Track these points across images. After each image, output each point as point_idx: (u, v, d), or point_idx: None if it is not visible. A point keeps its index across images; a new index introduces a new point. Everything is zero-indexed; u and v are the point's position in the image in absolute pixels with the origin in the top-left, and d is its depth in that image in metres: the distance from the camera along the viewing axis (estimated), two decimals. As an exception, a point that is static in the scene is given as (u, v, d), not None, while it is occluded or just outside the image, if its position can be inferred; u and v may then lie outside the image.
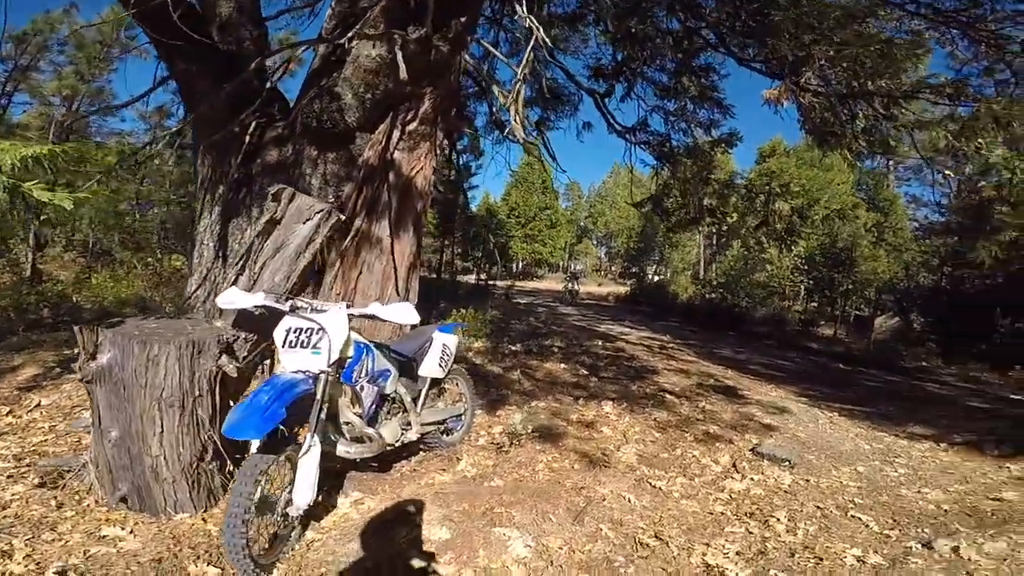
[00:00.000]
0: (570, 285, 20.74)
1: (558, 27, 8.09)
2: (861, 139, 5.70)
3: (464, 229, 18.44)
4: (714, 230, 9.41)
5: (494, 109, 10.11)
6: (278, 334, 2.34)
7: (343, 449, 2.55)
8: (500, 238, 32.24)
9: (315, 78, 4.97)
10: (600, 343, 8.72)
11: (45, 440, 3.13)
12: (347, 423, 2.62)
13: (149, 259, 11.90)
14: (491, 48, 6.65)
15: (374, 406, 2.70)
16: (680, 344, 10.27)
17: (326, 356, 2.25)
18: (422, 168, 5.07)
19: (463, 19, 4.84)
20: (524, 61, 4.96)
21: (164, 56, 4.69)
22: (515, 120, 5.05)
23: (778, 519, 2.94)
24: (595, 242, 53.44)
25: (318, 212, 3.32)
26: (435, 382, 3.26)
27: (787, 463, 3.79)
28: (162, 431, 2.39)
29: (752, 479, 3.48)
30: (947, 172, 5.26)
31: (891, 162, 31.68)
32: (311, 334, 2.28)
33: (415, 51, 4.55)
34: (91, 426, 2.52)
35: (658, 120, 8.77)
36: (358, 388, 2.53)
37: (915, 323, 13.54)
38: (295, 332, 2.30)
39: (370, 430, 2.63)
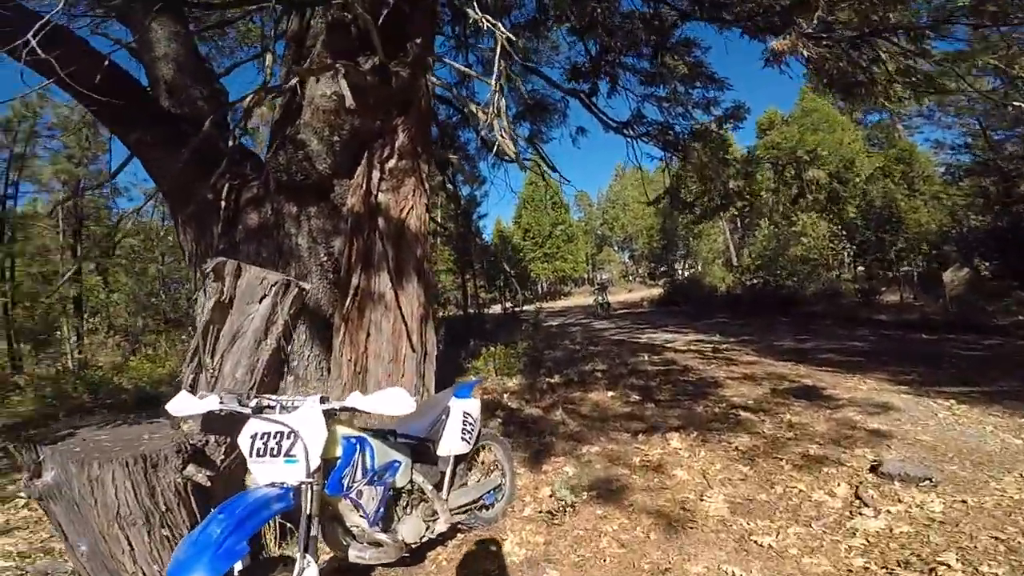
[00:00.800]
0: (600, 298, 19.33)
1: (523, 36, 7.58)
2: (897, 82, 4.84)
3: (481, 260, 17.94)
4: (737, 212, 8.54)
5: (481, 132, 9.65)
6: (243, 441, 1.85)
7: (356, 555, 2.07)
8: (520, 262, 31.74)
9: (279, 130, 4.55)
10: (646, 357, 7.89)
11: (52, 535, 2.94)
12: (354, 526, 2.09)
13: (183, 336, 11.89)
14: (461, 67, 6.16)
15: (382, 507, 2.12)
16: (734, 343, 9.31)
17: (303, 464, 1.75)
18: (412, 207, 4.53)
19: (418, 40, 4.38)
20: (496, 70, 4.45)
21: (111, 126, 4.37)
22: (501, 135, 4.47)
23: (947, 564, 2.16)
24: (616, 248, 52.28)
25: (273, 285, 2.77)
26: (461, 457, 2.63)
27: (927, 481, 2.94)
28: (132, 549, 2.11)
29: (889, 511, 2.67)
30: (1016, 103, 4.30)
31: (894, 113, 30.18)
32: (281, 439, 1.79)
33: (373, 81, 4.08)
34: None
35: (652, 109, 8.14)
36: (354, 496, 1.99)
37: (984, 271, 12.19)
38: (262, 438, 1.81)
39: (382, 535, 2.08)
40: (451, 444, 2.55)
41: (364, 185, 4.36)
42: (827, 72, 4.87)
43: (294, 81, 3.85)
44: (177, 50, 4.53)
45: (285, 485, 1.76)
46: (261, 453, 1.78)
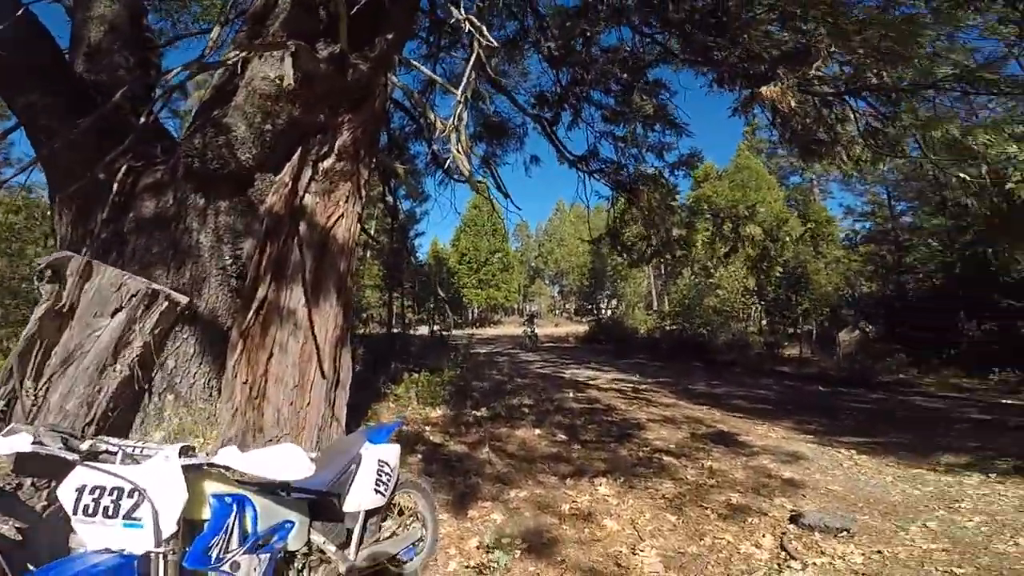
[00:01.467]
0: (528, 329, 19.25)
1: (497, 56, 7.56)
2: (858, 143, 5.24)
3: (413, 280, 17.42)
4: (673, 259, 8.91)
5: (434, 147, 9.43)
6: (64, 495, 1.36)
7: None
8: (452, 287, 31.34)
9: (204, 112, 4.05)
10: (571, 394, 7.87)
11: None
12: None
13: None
14: (428, 72, 5.94)
15: (269, 574, 1.68)
16: (653, 384, 9.59)
17: (151, 530, 1.32)
18: (343, 216, 4.12)
19: (390, 36, 4.11)
20: (465, 80, 4.25)
21: (2, 89, 3.69)
22: (457, 151, 4.26)
23: None
24: (547, 281, 53.32)
25: (132, 295, 2.27)
26: (374, 511, 2.25)
27: (845, 532, 3.04)
28: None
29: (815, 563, 2.70)
30: (962, 174, 4.69)
31: (813, 176, 33.74)
32: (119, 496, 1.33)
33: (327, 70, 3.75)
34: None
35: (608, 148, 8.38)
36: (227, 568, 1.51)
37: (871, 334, 13.60)
38: (93, 492, 1.35)
39: None
40: (361, 498, 2.13)
41: (291, 184, 3.88)
42: (792, 127, 5.17)
43: (237, 56, 3.40)
44: (117, 11, 3.97)
45: (126, 552, 1.33)
46: (90, 512, 1.34)
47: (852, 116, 5.14)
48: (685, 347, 15.01)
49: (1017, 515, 3.25)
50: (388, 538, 2.41)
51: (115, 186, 3.60)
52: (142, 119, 3.82)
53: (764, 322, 17.80)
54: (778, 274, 11.53)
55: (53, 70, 3.60)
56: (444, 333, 14.61)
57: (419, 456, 4.27)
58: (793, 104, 4.49)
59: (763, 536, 3.04)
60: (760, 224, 7.28)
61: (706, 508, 3.45)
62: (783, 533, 3.07)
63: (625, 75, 7.09)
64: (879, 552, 2.81)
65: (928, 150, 4.74)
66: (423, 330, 18.63)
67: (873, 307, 14.02)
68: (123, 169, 3.64)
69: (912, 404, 7.75)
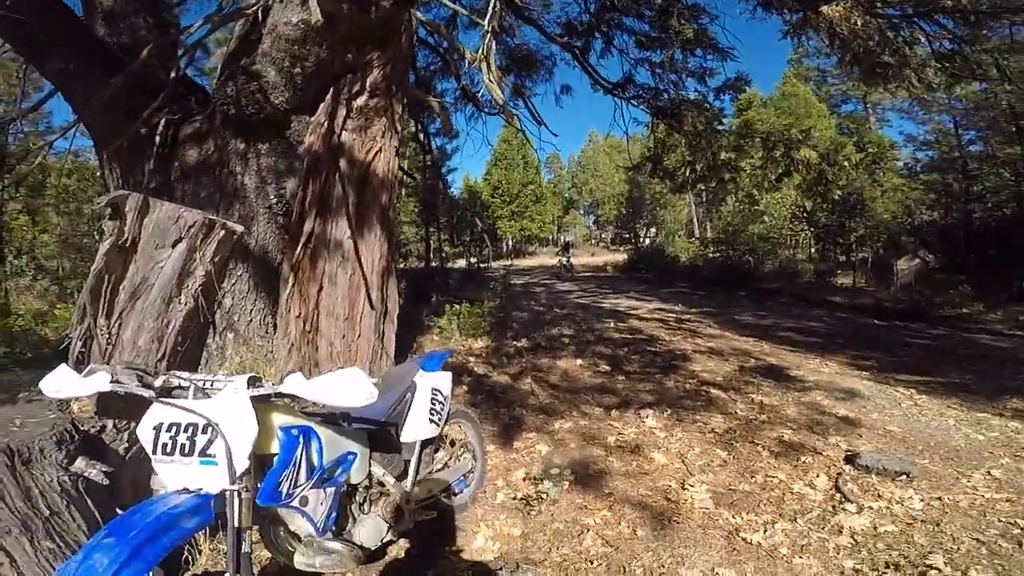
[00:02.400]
0: (564, 259, 17.97)
1: None
2: (930, 66, 4.61)
3: (448, 214, 17.31)
4: (709, 185, 8.40)
5: (463, 82, 8.97)
6: (143, 434, 1.38)
7: (303, 561, 1.65)
8: (488, 219, 31.15)
9: (232, 62, 3.94)
10: (612, 324, 7.79)
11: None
12: (300, 530, 1.68)
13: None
14: (450, 4, 5.49)
15: (333, 511, 1.72)
16: (697, 314, 9.35)
17: (226, 467, 1.31)
18: (380, 150, 4.03)
19: None
20: (490, 9, 3.93)
21: (28, 56, 3.75)
22: (489, 81, 4.00)
23: (936, 568, 2.09)
24: (582, 212, 52.18)
25: (190, 226, 2.20)
26: (428, 441, 2.28)
27: (904, 476, 2.90)
28: (13, 560, 1.63)
29: (871, 507, 2.60)
30: None
31: (868, 104, 30.84)
32: (194, 433, 1.33)
33: (350, 10, 3.50)
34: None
35: (644, 74, 7.74)
36: (296, 503, 1.54)
37: (932, 263, 12.75)
38: (170, 430, 1.35)
39: (334, 543, 1.68)
40: (417, 428, 2.16)
41: (327, 123, 3.83)
42: (853, 50, 4.56)
43: (257, 3, 3.25)
44: None
45: (203, 492, 1.34)
46: (168, 450, 1.34)
47: (923, 39, 4.45)
48: (729, 275, 14.54)
49: (1096, 462, 3.04)
50: (440, 469, 2.44)
51: (157, 139, 3.71)
52: (172, 75, 3.87)
53: (814, 249, 16.97)
54: (836, 198, 10.75)
55: (76, 35, 3.63)
56: (482, 265, 14.65)
57: (464, 387, 4.33)
58: (859, 24, 3.88)
59: (817, 476, 2.96)
60: (815, 148, 6.63)
61: (757, 445, 3.37)
62: (838, 474, 2.97)
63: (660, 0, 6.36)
64: (939, 499, 2.67)
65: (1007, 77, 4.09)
66: (460, 263, 18.76)
67: (935, 235, 13.05)
68: (162, 122, 3.73)
69: (977, 342, 7.28)
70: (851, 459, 3.12)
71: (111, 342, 2.31)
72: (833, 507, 2.62)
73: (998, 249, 11.06)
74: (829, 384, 4.75)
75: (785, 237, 17.45)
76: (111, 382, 1.41)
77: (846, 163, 6.68)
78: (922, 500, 2.66)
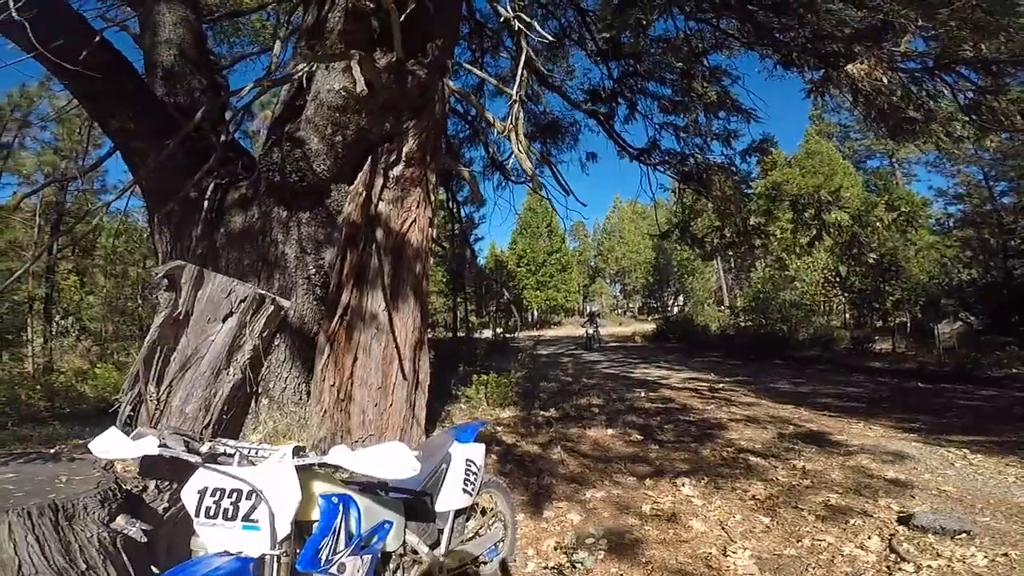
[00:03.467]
0: (590, 329, 17.26)
1: (540, 56, 7.54)
2: (957, 120, 4.74)
3: (475, 284, 17.69)
4: (740, 251, 8.44)
5: (491, 150, 9.53)
6: (188, 497, 1.42)
7: None
8: (513, 289, 31.58)
9: (277, 127, 4.30)
10: (643, 393, 7.65)
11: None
12: None
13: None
14: (480, 74, 6.01)
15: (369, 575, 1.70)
16: (730, 383, 9.11)
17: (268, 532, 1.34)
18: (416, 220, 4.26)
19: (439, 41, 4.20)
20: (518, 79, 4.26)
21: (94, 112, 4.05)
22: (518, 150, 4.30)
23: None
24: (608, 280, 52.40)
25: (241, 300, 2.38)
26: (461, 511, 2.29)
27: (964, 534, 2.74)
28: None
29: (931, 566, 2.45)
30: None
31: (893, 159, 31.11)
32: (238, 499, 1.37)
33: (387, 80, 3.88)
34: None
35: (670, 138, 8.09)
36: (335, 570, 1.53)
37: (975, 325, 12.25)
38: (214, 495, 1.39)
39: None
40: (452, 498, 2.17)
41: (365, 192, 4.08)
42: (877, 106, 4.74)
43: (302, 69, 3.60)
44: (182, 36, 4.24)
45: (243, 555, 1.35)
46: (212, 514, 1.37)
47: (946, 91, 4.63)
48: (762, 344, 14.19)
49: None
50: (471, 538, 2.43)
51: (205, 203, 3.91)
52: (222, 138, 4.12)
53: (848, 315, 16.51)
54: (871, 261, 10.61)
55: (138, 94, 3.85)
56: (508, 336, 14.71)
57: (493, 456, 4.29)
58: (885, 81, 4.10)
59: (868, 537, 2.80)
60: (846, 209, 6.68)
61: (802, 509, 3.22)
62: (891, 535, 2.81)
63: (680, 64, 6.82)
64: (1005, 555, 2.52)
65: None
66: (486, 333, 18.86)
67: (976, 295, 12.62)
68: (211, 186, 3.94)
69: (1032, 401, 6.88)
70: (905, 520, 2.96)
71: (160, 408, 2.43)
72: (887, 568, 2.48)
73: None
74: (875, 447, 4.53)
75: (818, 303, 17.11)
76: (159, 446, 1.46)
77: (879, 224, 6.65)
78: (986, 557, 2.51)
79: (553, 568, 2.65)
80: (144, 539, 1.80)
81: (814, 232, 7.10)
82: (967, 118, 4.77)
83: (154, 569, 1.88)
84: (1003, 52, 4.38)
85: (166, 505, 2.00)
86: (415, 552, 2.00)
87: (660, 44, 6.99)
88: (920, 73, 4.94)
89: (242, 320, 2.36)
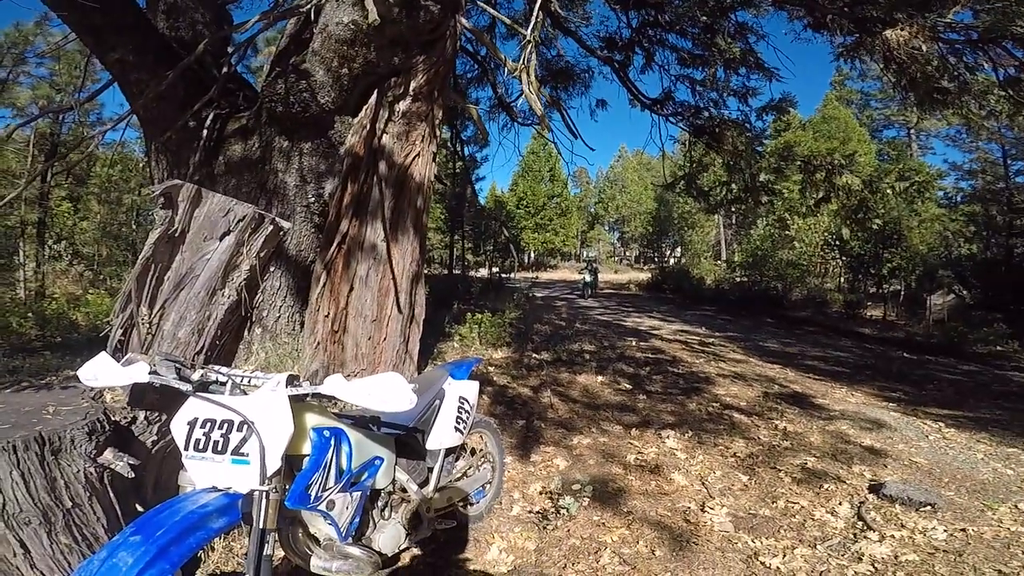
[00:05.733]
0: (588, 277, 16.83)
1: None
2: (992, 94, 4.52)
3: (474, 223, 17.47)
4: (746, 205, 8.30)
5: (499, 91, 9.11)
6: (176, 428, 1.37)
7: (320, 565, 1.62)
8: (512, 230, 31.32)
9: (281, 59, 4.08)
10: (634, 343, 7.76)
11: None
12: (320, 534, 1.65)
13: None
14: (495, 13, 5.63)
15: (357, 516, 1.69)
16: (721, 338, 9.24)
17: (258, 467, 1.29)
18: (419, 155, 4.11)
19: None
20: (533, 19, 4.01)
21: (93, 46, 3.91)
22: (528, 91, 4.07)
23: None
24: (607, 228, 52.02)
25: (240, 219, 2.26)
26: (452, 450, 2.29)
27: (928, 507, 2.86)
28: (28, 552, 1.61)
29: (893, 536, 2.57)
30: None
31: (912, 130, 30.25)
32: (229, 430, 1.31)
33: (399, 14, 3.62)
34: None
35: (684, 91, 7.73)
36: (324, 507, 1.53)
37: (967, 299, 12.35)
38: (204, 426, 1.34)
39: (355, 549, 1.65)
40: (443, 436, 2.14)
41: (369, 125, 3.93)
42: (910, 74, 4.49)
43: (310, 2, 3.39)
44: None
45: (231, 491, 1.31)
46: (201, 447, 1.31)
47: (986, 65, 4.37)
48: (755, 301, 14.33)
49: None
50: (460, 478, 2.44)
51: (204, 132, 3.83)
52: (224, 70, 4.02)
53: (843, 279, 16.59)
54: (875, 227, 10.52)
55: (138, 28, 3.78)
56: (504, 276, 14.72)
57: (485, 397, 4.37)
58: (923, 49, 3.85)
59: (839, 504, 2.92)
60: (858, 174, 6.50)
61: (779, 470, 3.34)
62: (861, 502, 2.93)
63: (705, 17, 6.38)
64: (963, 530, 2.64)
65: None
66: (482, 272, 18.87)
67: (973, 270, 12.64)
68: (210, 116, 3.85)
69: (1010, 379, 7.03)
70: (875, 488, 3.08)
71: (151, 332, 2.36)
72: (854, 535, 2.59)
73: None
74: (855, 413, 4.66)
75: (815, 265, 17.11)
76: (149, 373, 1.39)
77: (889, 191, 6.51)
78: (946, 531, 2.62)
79: (538, 512, 2.75)
80: (131, 474, 1.73)
81: (822, 194, 6.96)
82: (1004, 92, 4.56)
83: (139, 507, 1.83)
84: None
85: (155, 438, 1.93)
86: (404, 490, 1.99)
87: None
88: (962, 45, 4.70)
89: (240, 239, 2.27)
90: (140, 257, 2.33)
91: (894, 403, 5.30)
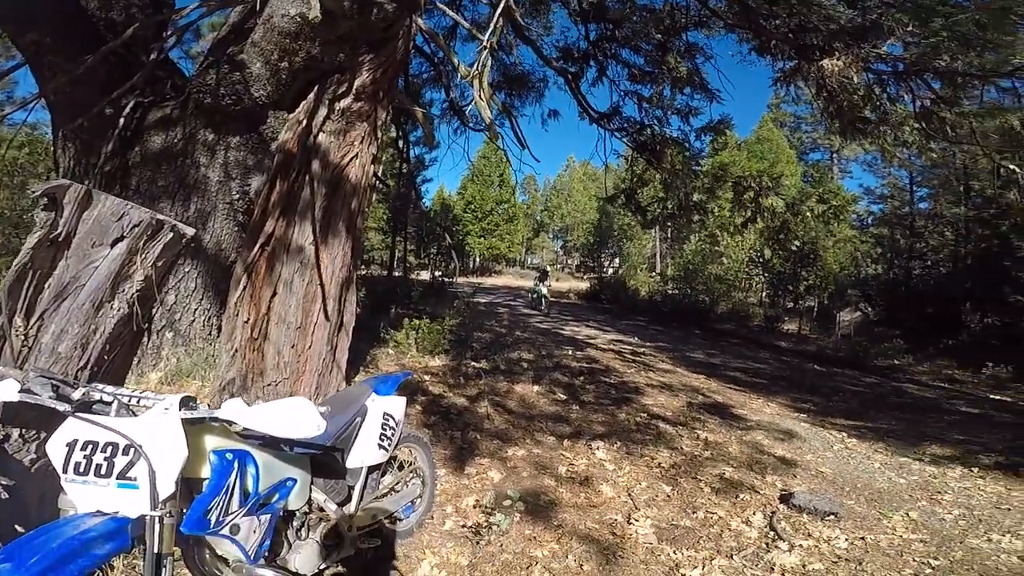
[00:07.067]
0: (543, 288, 15.01)
1: (522, 7, 7.16)
2: (907, 125, 5.00)
3: (417, 225, 17.21)
4: (679, 223, 8.80)
5: (452, 94, 9.07)
6: (54, 449, 1.25)
7: None
8: (457, 235, 31.11)
9: (219, 48, 3.84)
10: (571, 352, 7.90)
11: None
12: (228, 556, 1.54)
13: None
14: (454, 16, 5.59)
15: (267, 538, 1.59)
16: (652, 348, 9.62)
17: (147, 491, 1.20)
18: (357, 156, 3.97)
19: None
20: (492, 26, 4.00)
21: (9, 25, 3.55)
22: (479, 98, 4.06)
23: None
24: (551, 236, 52.96)
25: (135, 225, 2.08)
26: (376, 467, 2.20)
27: (832, 516, 3.09)
28: None
29: (801, 545, 2.75)
30: (1013, 166, 4.61)
31: (835, 154, 33.05)
32: (113, 453, 1.21)
33: (350, 10, 3.51)
34: None
35: (632, 107, 8.05)
36: (227, 531, 1.42)
37: (872, 315, 13.62)
38: (85, 448, 1.22)
39: (266, 571, 1.55)
40: (365, 454, 2.05)
41: (305, 122, 3.74)
42: (839, 102, 4.88)
43: None
44: None
45: (119, 515, 1.20)
46: (81, 470, 1.20)
47: (906, 97, 4.86)
48: (686, 313, 15.04)
49: (993, 511, 3.31)
50: (386, 494, 2.36)
51: (121, 120, 3.56)
52: (153, 56, 3.75)
53: (764, 295, 17.80)
54: (794, 248, 11.40)
55: (60, 7, 3.48)
56: (446, 280, 14.58)
57: (418, 407, 4.29)
58: (855, 79, 4.22)
59: (754, 514, 3.09)
60: (783, 197, 7.06)
61: (700, 481, 3.50)
62: (772, 512, 3.12)
63: (659, 35, 6.69)
64: (862, 539, 2.86)
65: (980, 139, 4.52)
66: (424, 276, 18.60)
67: (877, 289, 13.96)
68: (131, 104, 3.58)
69: (905, 391, 7.82)
70: (785, 498, 3.28)
71: (27, 344, 2.10)
72: (767, 544, 2.75)
73: (934, 307, 11.93)
74: (770, 424, 4.98)
75: (740, 280, 18.25)
76: (20, 391, 1.27)
77: (808, 214, 7.09)
78: (847, 540, 2.83)
79: (470, 527, 2.72)
80: (5, 495, 1.59)
81: (749, 214, 7.45)
82: (917, 125, 5.07)
83: (19, 529, 1.68)
84: (973, 67, 4.61)
85: (33, 456, 1.75)
86: (322, 510, 1.91)
87: (644, 13, 6.81)
88: (888, 76, 5.18)
89: (133, 246, 2.05)
90: (15, 262, 2.06)
91: (805, 413, 5.72)
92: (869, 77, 4.99)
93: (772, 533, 2.87)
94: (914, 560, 2.66)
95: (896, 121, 5.16)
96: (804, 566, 2.55)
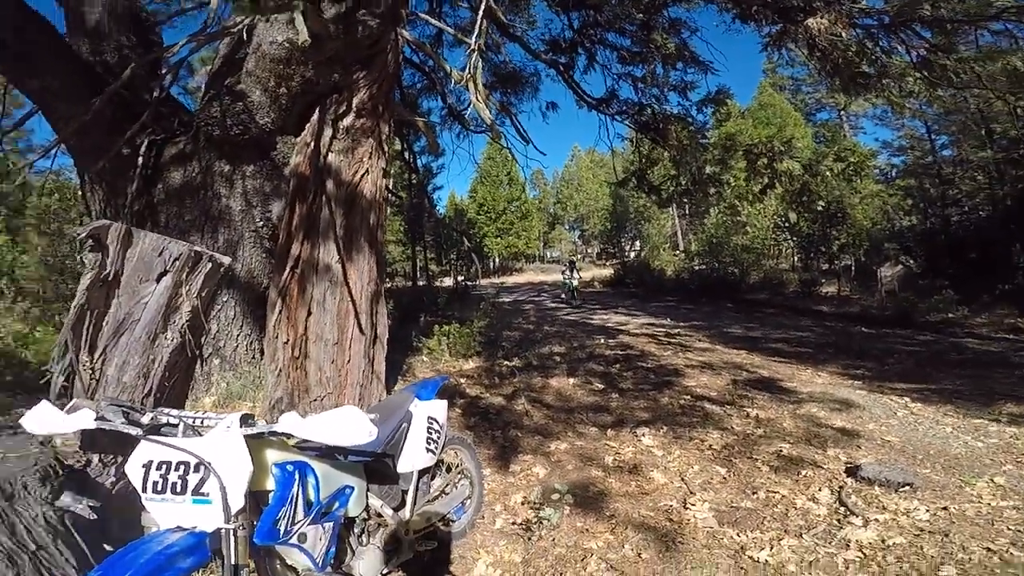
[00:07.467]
0: (573, 280, 14.20)
1: (502, 5, 7.10)
2: (909, 76, 4.76)
3: (434, 233, 17.26)
4: (695, 198, 8.62)
5: (449, 100, 9.05)
6: (132, 471, 1.31)
7: None
8: (474, 238, 31.21)
9: (216, 81, 3.90)
10: (603, 340, 7.76)
11: None
12: (298, 565, 1.59)
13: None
14: (438, 24, 5.55)
15: (332, 546, 1.64)
16: (686, 328, 9.38)
17: (220, 506, 1.26)
18: (368, 171, 3.98)
19: None
20: (477, 28, 3.94)
21: (10, 74, 3.67)
22: (476, 100, 3.99)
23: None
24: (567, 227, 52.58)
25: (176, 258, 2.14)
26: (425, 470, 2.22)
27: (907, 487, 2.85)
28: None
29: (878, 520, 2.55)
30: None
31: (842, 111, 31.87)
32: (186, 472, 1.27)
33: (336, 31, 3.50)
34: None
35: (627, 89, 7.94)
36: (295, 540, 1.48)
37: (914, 268, 13.00)
38: (160, 468, 1.29)
39: None
40: (414, 458, 2.11)
41: (313, 143, 3.78)
42: (833, 60, 4.68)
43: (241, 22, 3.23)
44: None
45: (197, 530, 1.28)
46: (159, 488, 1.28)
47: (900, 48, 4.63)
48: (715, 287, 14.69)
49: (1094, 468, 3.05)
50: (437, 497, 2.38)
51: (140, 160, 3.66)
52: (155, 95, 3.88)
53: (796, 259, 17.24)
54: (819, 208, 11.00)
55: (57, 54, 3.58)
56: (469, 283, 14.57)
57: (458, 410, 4.25)
58: (843, 36, 4.02)
59: (819, 490, 2.91)
60: (798, 159, 6.80)
61: (756, 460, 3.33)
62: (841, 487, 2.92)
63: (640, 15, 6.53)
64: (945, 509, 2.64)
65: (988, 83, 4.26)
66: (447, 281, 18.66)
67: (915, 240, 13.35)
68: (145, 143, 3.69)
69: (965, 346, 7.38)
70: (852, 471, 3.08)
71: (95, 377, 2.22)
72: (838, 521, 2.58)
73: (979, 253, 11.31)
74: (823, 395, 4.75)
75: (768, 247, 17.74)
76: (96, 419, 1.35)
77: (828, 173, 6.81)
78: (928, 511, 2.62)
79: (521, 524, 2.65)
80: (93, 516, 1.72)
81: (766, 180, 7.21)
82: (918, 74, 4.84)
83: (107, 547, 1.80)
84: (957, 13, 4.38)
85: (113, 479, 1.88)
86: (379, 516, 1.97)
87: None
88: (876, 30, 4.98)
89: (177, 279, 2.15)
90: (74, 304, 2.22)
91: (859, 380, 5.44)
92: (858, 32, 4.78)
93: (843, 509, 2.69)
94: (1008, 528, 2.43)
95: (897, 73, 4.96)
96: (883, 541, 2.37)
